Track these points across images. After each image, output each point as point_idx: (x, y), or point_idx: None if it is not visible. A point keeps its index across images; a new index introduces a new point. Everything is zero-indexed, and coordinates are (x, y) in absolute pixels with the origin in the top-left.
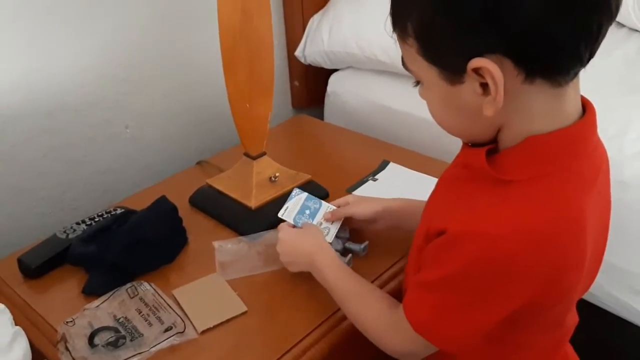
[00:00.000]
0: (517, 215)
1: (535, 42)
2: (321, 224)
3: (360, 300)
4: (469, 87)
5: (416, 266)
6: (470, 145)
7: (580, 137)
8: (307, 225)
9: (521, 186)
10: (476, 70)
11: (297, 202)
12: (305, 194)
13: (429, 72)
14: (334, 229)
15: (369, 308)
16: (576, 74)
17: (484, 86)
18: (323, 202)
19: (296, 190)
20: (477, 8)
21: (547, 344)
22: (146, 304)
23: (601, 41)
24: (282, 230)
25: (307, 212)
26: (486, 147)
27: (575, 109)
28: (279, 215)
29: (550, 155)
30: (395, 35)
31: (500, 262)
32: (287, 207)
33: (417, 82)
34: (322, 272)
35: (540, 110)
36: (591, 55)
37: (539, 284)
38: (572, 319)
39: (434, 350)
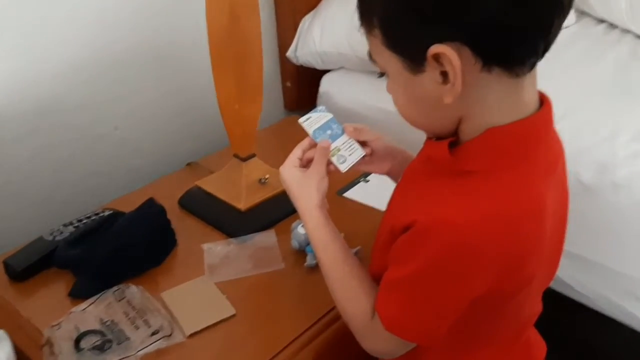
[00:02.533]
0: (479, 203)
1: (491, 32)
2: (339, 150)
3: (344, 288)
4: (430, 76)
5: (381, 261)
6: (434, 139)
7: (538, 128)
8: (312, 172)
9: (482, 176)
10: (436, 58)
11: (321, 118)
12: (331, 115)
13: (393, 63)
14: (350, 160)
15: (350, 299)
16: (533, 65)
17: (444, 75)
18: (345, 131)
19: (322, 107)
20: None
21: (509, 333)
22: (133, 307)
23: (556, 34)
24: (286, 162)
25: (329, 132)
26: (448, 139)
27: (532, 101)
28: (299, 120)
29: (510, 145)
30: (362, 30)
31: (464, 249)
32: (310, 117)
33: (382, 74)
34: (310, 237)
35: (499, 100)
36: (547, 48)
37: (501, 270)
38: (535, 307)
39: (410, 347)
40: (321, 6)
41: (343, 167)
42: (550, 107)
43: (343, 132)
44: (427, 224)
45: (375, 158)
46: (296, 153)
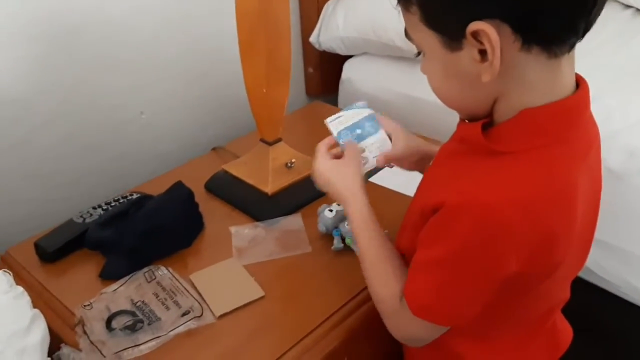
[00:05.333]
0: (510, 183)
1: (532, 10)
2: (364, 150)
3: (377, 270)
4: (467, 53)
5: (408, 244)
6: (466, 121)
7: (573, 110)
8: (349, 159)
9: (515, 157)
10: (474, 35)
11: (354, 115)
12: (370, 111)
13: (430, 40)
14: (372, 162)
15: (380, 283)
16: (572, 46)
17: (482, 53)
18: (382, 131)
19: (363, 103)
20: None
21: (535, 317)
22: (163, 288)
23: (597, 14)
24: (318, 158)
25: (358, 131)
26: (481, 120)
27: (569, 83)
28: (326, 120)
29: (544, 127)
30: (399, 7)
31: (495, 228)
32: (339, 116)
33: (418, 53)
34: (350, 221)
35: (536, 81)
36: (587, 28)
37: (530, 252)
38: (563, 293)
39: (438, 333)
40: None
41: (365, 168)
42: (587, 90)
43: (378, 130)
44: (457, 203)
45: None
46: (321, 149)
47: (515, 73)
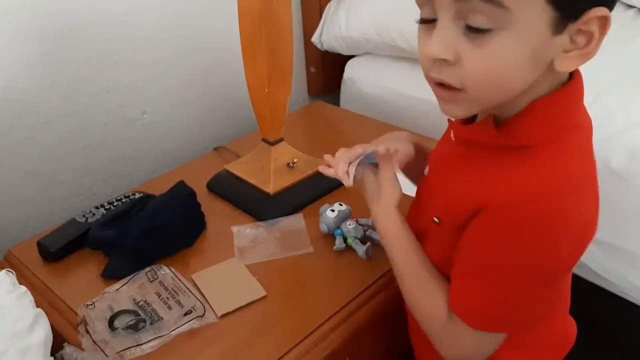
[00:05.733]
0: (550, 175)
1: None
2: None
3: (415, 282)
4: (561, 39)
5: (431, 252)
6: (463, 122)
7: (577, 94)
8: (385, 175)
9: (542, 149)
10: (587, 21)
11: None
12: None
13: (539, 17)
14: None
15: (423, 296)
16: None
17: (572, 41)
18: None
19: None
20: None
21: (564, 309)
22: (165, 288)
23: None
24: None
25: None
26: (488, 118)
27: None
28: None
29: (558, 114)
30: None
31: (552, 221)
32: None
33: (482, 30)
34: (384, 233)
35: (558, 72)
36: None
37: (577, 238)
38: None
39: (499, 342)
40: None
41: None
42: (581, 76)
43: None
44: (504, 202)
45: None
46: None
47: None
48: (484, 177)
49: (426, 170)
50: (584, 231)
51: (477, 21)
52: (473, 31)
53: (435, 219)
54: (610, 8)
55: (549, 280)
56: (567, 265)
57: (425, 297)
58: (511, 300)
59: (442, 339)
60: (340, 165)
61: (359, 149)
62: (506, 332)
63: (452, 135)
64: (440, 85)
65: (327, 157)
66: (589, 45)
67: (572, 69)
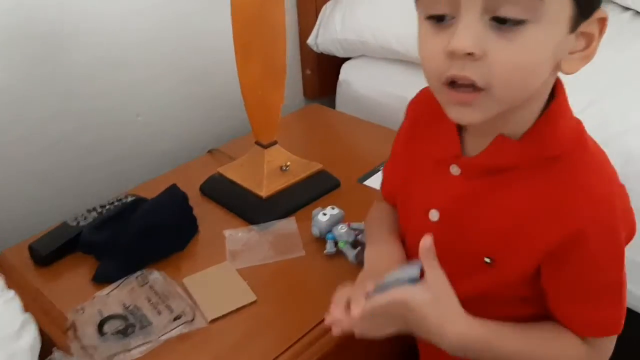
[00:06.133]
0: (604, 177)
1: None
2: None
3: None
4: (571, 38)
5: (474, 288)
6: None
7: (566, 95)
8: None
9: (570, 156)
10: (591, 22)
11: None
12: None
13: (563, 10)
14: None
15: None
16: None
17: (576, 42)
18: None
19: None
20: None
21: None
22: (156, 292)
23: None
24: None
25: None
26: (502, 139)
27: None
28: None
29: (572, 121)
30: None
31: (626, 219)
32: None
33: (515, 21)
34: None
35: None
36: None
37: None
38: None
39: None
40: None
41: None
42: (562, 81)
43: None
44: (594, 217)
45: None
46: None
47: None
48: (539, 202)
49: (435, 217)
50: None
51: (511, 12)
52: (503, 23)
53: (487, 260)
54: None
55: None
56: None
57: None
58: (624, 301)
59: None
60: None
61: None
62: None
63: (453, 170)
64: (457, 87)
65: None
66: (590, 46)
67: (576, 71)
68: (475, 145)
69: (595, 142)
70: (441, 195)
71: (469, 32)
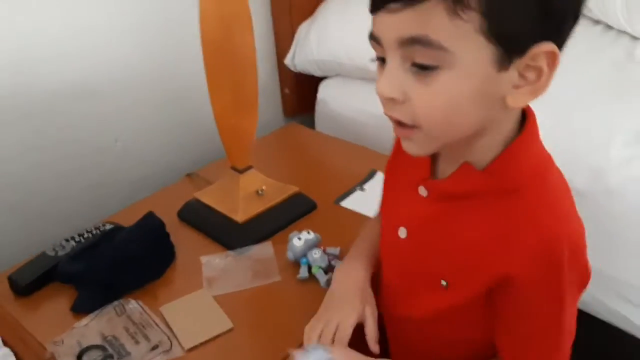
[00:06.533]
0: (561, 209)
1: (571, 30)
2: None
3: None
4: (510, 75)
5: (426, 309)
6: (428, 177)
7: (537, 128)
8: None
9: (529, 188)
10: (535, 57)
11: None
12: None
13: (479, 54)
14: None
15: None
16: None
17: (522, 77)
18: None
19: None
20: None
21: None
22: (133, 322)
23: None
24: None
25: None
26: (466, 167)
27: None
28: None
29: (536, 152)
30: (419, 10)
31: (581, 253)
32: None
33: (426, 67)
34: None
35: (517, 110)
36: None
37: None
38: None
39: None
40: (318, 14)
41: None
42: (533, 111)
43: None
44: (531, 264)
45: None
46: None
47: None
48: (489, 235)
49: (403, 233)
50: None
51: (424, 59)
52: (420, 68)
53: (443, 282)
54: (559, 43)
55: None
56: None
57: None
58: (569, 335)
59: None
60: None
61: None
62: None
63: (421, 192)
64: (396, 123)
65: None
66: (540, 80)
67: (524, 105)
68: (444, 170)
69: (560, 177)
70: (410, 214)
71: (390, 78)
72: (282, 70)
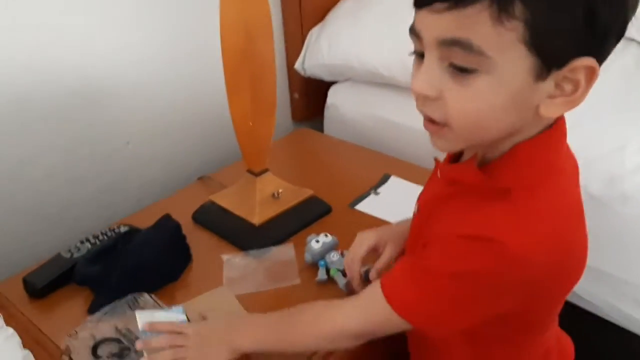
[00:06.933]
0: (532, 223)
1: (612, 46)
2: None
3: (299, 327)
4: (546, 86)
5: None
6: (449, 161)
7: (560, 136)
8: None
9: (520, 194)
10: (573, 70)
11: (166, 318)
12: (183, 317)
13: (518, 63)
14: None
15: (317, 321)
16: None
17: (559, 87)
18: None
19: (177, 308)
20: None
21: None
22: None
23: None
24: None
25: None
26: (472, 160)
27: None
28: (136, 312)
29: (540, 158)
30: (464, 14)
31: (524, 269)
32: (152, 315)
33: (466, 69)
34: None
35: (545, 117)
36: None
37: (554, 281)
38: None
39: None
40: (328, 18)
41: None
42: (564, 118)
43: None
44: (482, 235)
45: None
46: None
47: None
48: (470, 214)
49: (415, 209)
50: (571, 267)
51: (462, 61)
52: (457, 70)
53: None
54: (600, 59)
55: (487, 313)
56: (550, 297)
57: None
58: (442, 307)
59: (327, 316)
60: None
61: None
62: (425, 327)
63: (438, 173)
64: (427, 119)
65: None
66: (576, 92)
67: (558, 115)
68: (465, 157)
69: (558, 196)
70: (426, 192)
71: (427, 75)
72: (292, 75)
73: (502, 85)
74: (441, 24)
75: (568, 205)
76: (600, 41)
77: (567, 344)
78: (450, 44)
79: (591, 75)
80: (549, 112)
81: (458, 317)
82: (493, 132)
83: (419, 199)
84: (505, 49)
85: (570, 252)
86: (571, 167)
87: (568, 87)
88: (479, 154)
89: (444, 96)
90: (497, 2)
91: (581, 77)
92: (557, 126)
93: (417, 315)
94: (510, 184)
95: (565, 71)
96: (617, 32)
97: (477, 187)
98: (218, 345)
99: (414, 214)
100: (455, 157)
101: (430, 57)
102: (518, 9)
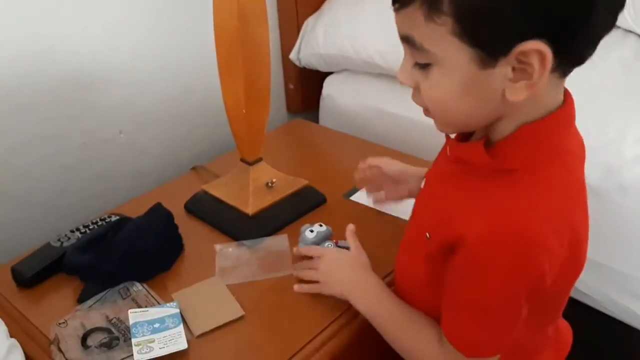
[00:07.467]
0: (531, 202)
1: (579, 31)
2: (153, 341)
3: (404, 331)
4: (501, 71)
5: (408, 263)
6: (459, 139)
7: (567, 120)
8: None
9: (526, 174)
10: (522, 54)
11: (160, 312)
12: (176, 310)
13: (458, 55)
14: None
15: (415, 340)
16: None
17: (519, 72)
18: (181, 326)
19: (172, 304)
20: None
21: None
22: (138, 305)
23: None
24: (327, 251)
25: (157, 325)
26: (481, 139)
27: (560, 95)
28: (130, 310)
29: (546, 140)
30: (405, 14)
31: (532, 251)
32: (145, 311)
33: (421, 65)
34: (361, 296)
35: (544, 99)
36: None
37: (563, 262)
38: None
39: None
40: (324, 8)
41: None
42: (573, 101)
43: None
44: (485, 235)
45: (392, 184)
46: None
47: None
48: (470, 201)
49: (422, 183)
50: (574, 250)
51: (416, 56)
52: (420, 63)
53: (427, 235)
54: (558, 41)
55: (533, 301)
56: (558, 283)
57: (412, 343)
58: (500, 327)
59: None
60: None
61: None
62: (499, 354)
63: (448, 151)
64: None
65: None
66: (535, 77)
67: (522, 98)
68: (475, 136)
69: (566, 176)
70: (433, 169)
71: (404, 67)
72: (287, 65)
73: (451, 76)
74: (398, 22)
75: (574, 188)
76: (547, 24)
77: (566, 333)
78: (404, 40)
79: (543, 58)
80: (512, 95)
81: (516, 321)
82: (461, 117)
83: (427, 174)
84: (442, 42)
85: (577, 232)
86: (578, 148)
87: (525, 71)
88: (487, 134)
89: (419, 86)
90: (427, 1)
91: (534, 60)
92: (564, 108)
93: (486, 348)
94: (515, 165)
95: (513, 56)
96: (569, 12)
97: (482, 167)
98: (336, 285)
99: (421, 189)
100: (465, 136)
101: (405, 51)
102: (445, 5)
